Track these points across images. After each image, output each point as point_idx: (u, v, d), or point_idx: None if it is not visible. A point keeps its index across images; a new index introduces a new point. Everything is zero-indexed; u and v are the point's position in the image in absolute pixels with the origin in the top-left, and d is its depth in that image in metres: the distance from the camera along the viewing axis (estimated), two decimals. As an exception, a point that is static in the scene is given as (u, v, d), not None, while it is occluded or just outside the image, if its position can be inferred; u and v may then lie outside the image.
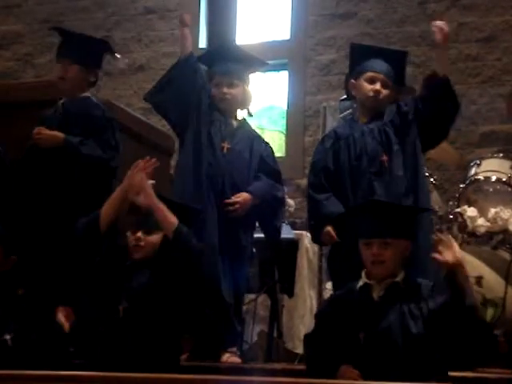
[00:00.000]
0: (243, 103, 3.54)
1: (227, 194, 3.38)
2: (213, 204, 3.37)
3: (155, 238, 2.97)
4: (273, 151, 3.63)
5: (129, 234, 2.97)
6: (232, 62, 3.48)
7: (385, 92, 3.29)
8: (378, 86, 3.27)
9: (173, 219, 2.91)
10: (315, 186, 3.30)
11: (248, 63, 3.56)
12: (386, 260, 2.66)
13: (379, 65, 3.30)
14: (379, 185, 3.19)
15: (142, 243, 2.94)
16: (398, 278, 2.68)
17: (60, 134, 3.38)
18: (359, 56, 3.37)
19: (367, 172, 3.22)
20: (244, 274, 3.46)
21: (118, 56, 3.77)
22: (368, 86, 3.29)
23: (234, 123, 3.54)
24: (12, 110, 3.76)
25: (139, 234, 2.95)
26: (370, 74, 3.30)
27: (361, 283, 2.70)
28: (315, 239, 3.39)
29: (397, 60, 3.36)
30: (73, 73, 3.46)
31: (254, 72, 3.64)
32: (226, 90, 3.46)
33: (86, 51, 3.48)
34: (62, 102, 3.51)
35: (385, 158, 3.22)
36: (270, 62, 5.63)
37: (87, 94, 3.53)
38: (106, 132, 3.42)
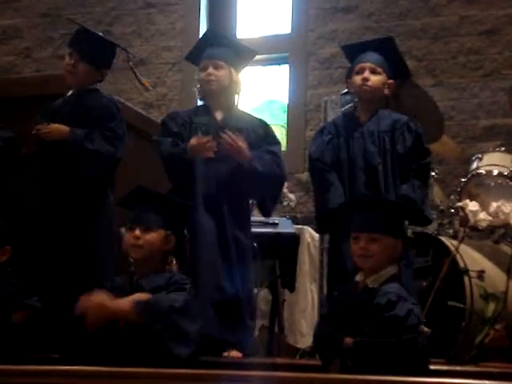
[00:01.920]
0: (231, 88, 3.46)
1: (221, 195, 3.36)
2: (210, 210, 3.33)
3: (154, 236, 2.83)
4: (269, 128, 3.53)
5: (124, 231, 2.84)
6: (218, 46, 3.46)
7: (374, 78, 3.33)
8: (365, 73, 3.33)
9: None
10: (318, 171, 3.35)
11: (235, 48, 3.52)
12: (372, 254, 2.66)
13: (366, 55, 3.37)
14: (370, 185, 3.23)
15: (141, 242, 2.81)
16: (390, 273, 2.67)
17: (65, 128, 3.36)
18: (351, 55, 3.45)
19: (362, 175, 3.27)
20: (246, 270, 3.42)
21: (130, 53, 3.75)
22: (357, 77, 3.35)
23: (219, 116, 3.45)
24: (12, 104, 3.75)
25: (137, 231, 2.82)
26: (357, 66, 3.37)
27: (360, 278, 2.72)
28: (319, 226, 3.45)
29: (385, 47, 3.41)
30: (82, 70, 3.44)
31: (245, 61, 3.58)
32: (211, 70, 3.41)
33: (99, 52, 3.48)
34: (70, 93, 3.50)
35: (379, 161, 3.26)
36: (270, 55, 5.72)
37: (94, 87, 3.51)
38: (114, 121, 3.39)
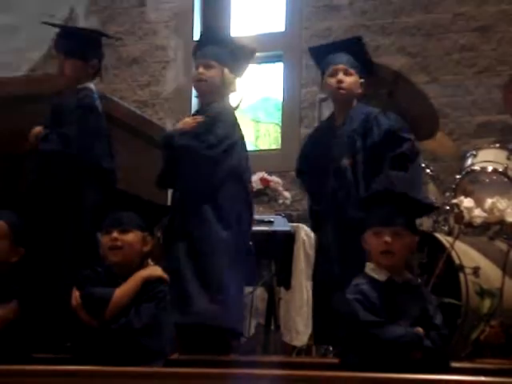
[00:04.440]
0: (222, 88, 3.45)
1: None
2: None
3: (132, 237, 2.81)
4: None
5: (101, 236, 2.80)
6: (211, 45, 3.46)
7: (348, 80, 3.36)
8: (339, 75, 3.35)
9: None
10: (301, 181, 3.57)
11: (231, 48, 3.51)
12: (395, 251, 2.67)
13: (337, 57, 3.39)
14: (340, 188, 3.28)
15: (119, 243, 2.78)
16: (409, 276, 2.74)
17: (36, 131, 3.36)
18: (320, 57, 3.48)
19: (332, 178, 3.32)
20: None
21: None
22: (332, 80, 3.38)
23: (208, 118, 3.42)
24: (5, 104, 3.74)
25: (115, 233, 2.80)
26: (330, 68, 3.38)
27: (384, 276, 2.70)
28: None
29: (355, 47, 3.44)
30: (69, 67, 3.44)
31: (243, 61, 3.58)
32: (201, 69, 3.41)
33: (80, 44, 3.46)
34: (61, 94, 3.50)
35: (347, 162, 3.30)
36: (265, 53, 5.71)
37: (87, 85, 3.49)
38: (73, 120, 3.35)
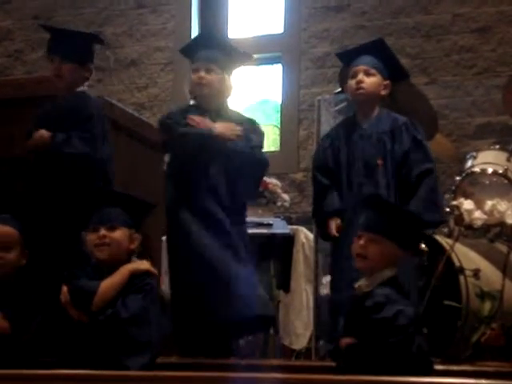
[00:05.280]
0: (222, 92, 3.45)
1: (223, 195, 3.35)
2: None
3: (119, 234, 2.80)
4: (256, 123, 3.53)
5: (86, 234, 2.79)
6: (212, 48, 3.44)
7: (368, 80, 3.36)
8: (359, 76, 3.35)
9: None
10: (316, 182, 3.44)
11: (229, 53, 3.50)
12: (368, 256, 2.64)
13: (359, 59, 3.40)
14: (367, 188, 3.28)
15: (107, 240, 2.77)
16: (384, 277, 2.64)
17: (47, 134, 3.34)
18: (347, 61, 3.49)
19: (360, 175, 3.31)
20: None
21: (108, 52, 3.73)
22: (352, 81, 3.38)
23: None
24: (1, 106, 3.73)
25: (102, 231, 2.79)
26: (352, 70, 3.40)
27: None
28: (321, 234, 3.52)
29: (378, 49, 3.43)
30: (67, 71, 3.43)
31: (239, 65, 3.57)
32: (202, 73, 3.40)
33: (77, 48, 3.45)
34: (58, 98, 3.49)
35: (380, 162, 3.31)
36: (263, 55, 5.70)
37: (83, 88, 3.50)
38: (91, 121, 3.36)
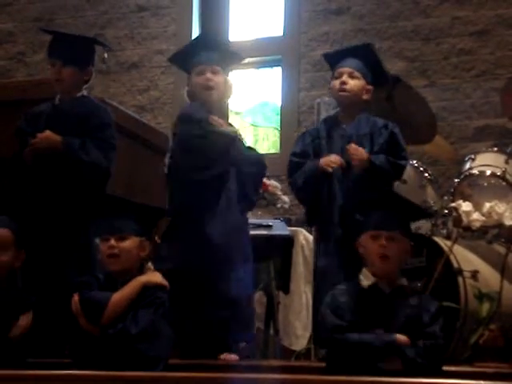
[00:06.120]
0: (225, 94, 3.47)
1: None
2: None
3: (129, 243, 2.78)
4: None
5: (98, 241, 2.78)
6: (214, 50, 3.45)
7: (352, 82, 3.38)
8: (343, 77, 3.38)
9: None
10: (293, 163, 3.44)
11: (226, 53, 3.52)
12: (390, 255, 2.67)
13: (345, 61, 3.42)
14: (340, 187, 3.31)
15: (117, 251, 2.75)
16: (404, 282, 2.72)
17: (57, 137, 3.32)
18: (332, 63, 3.50)
19: (340, 174, 3.32)
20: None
21: (106, 56, 3.72)
22: (335, 82, 3.41)
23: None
24: (3, 109, 3.74)
25: (112, 241, 2.76)
26: (336, 71, 3.42)
27: (369, 282, 2.70)
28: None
29: (365, 53, 3.45)
30: (68, 75, 3.42)
31: (232, 65, 3.59)
32: (210, 75, 3.38)
33: (78, 52, 3.45)
34: (58, 100, 3.46)
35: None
36: (263, 58, 5.72)
37: (84, 92, 3.49)
38: (108, 130, 3.37)
